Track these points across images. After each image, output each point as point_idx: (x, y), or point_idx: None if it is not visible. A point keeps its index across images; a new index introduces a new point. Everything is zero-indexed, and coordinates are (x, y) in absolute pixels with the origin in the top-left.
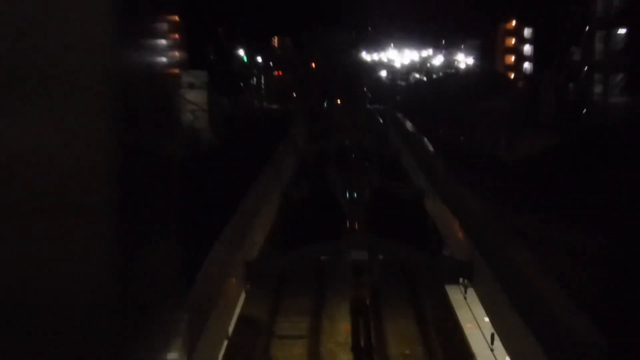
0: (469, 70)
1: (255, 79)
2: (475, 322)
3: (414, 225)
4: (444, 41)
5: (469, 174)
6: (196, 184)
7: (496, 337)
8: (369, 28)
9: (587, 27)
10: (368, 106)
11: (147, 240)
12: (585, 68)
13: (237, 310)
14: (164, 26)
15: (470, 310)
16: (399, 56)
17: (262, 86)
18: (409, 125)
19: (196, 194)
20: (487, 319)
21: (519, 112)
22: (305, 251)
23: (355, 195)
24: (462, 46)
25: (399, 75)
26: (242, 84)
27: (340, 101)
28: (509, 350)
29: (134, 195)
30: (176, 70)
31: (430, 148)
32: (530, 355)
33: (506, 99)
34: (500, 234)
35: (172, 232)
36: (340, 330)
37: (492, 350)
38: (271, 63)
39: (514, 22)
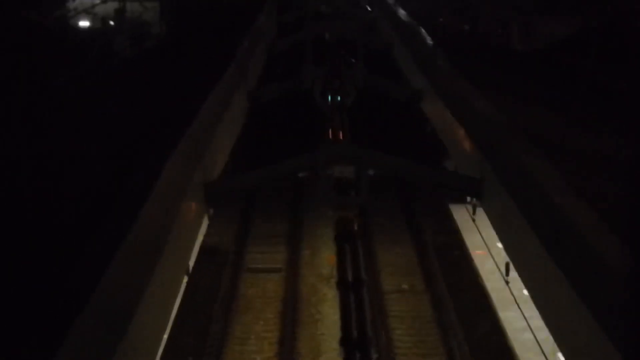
0: None
1: None
2: (486, 248)
3: (410, 134)
4: None
5: (476, 69)
6: (140, 86)
7: (511, 267)
8: None
9: None
10: None
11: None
12: None
13: (198, 240)
14: None
15: (480, 234)
16: None
17: None
18: (402, 12)
19: (139, 101)
20: (500, 245)
21: None
22: (279, 167)
23: (338, 97)
24: None
25: None
26: None
27: None
28: (526, 282)
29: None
30: None
31: (429, 39)
32: (552, 287)
33: None
34: (515, 143)
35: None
36: (323, 262)
37: (507, 282)
38: None
39: None
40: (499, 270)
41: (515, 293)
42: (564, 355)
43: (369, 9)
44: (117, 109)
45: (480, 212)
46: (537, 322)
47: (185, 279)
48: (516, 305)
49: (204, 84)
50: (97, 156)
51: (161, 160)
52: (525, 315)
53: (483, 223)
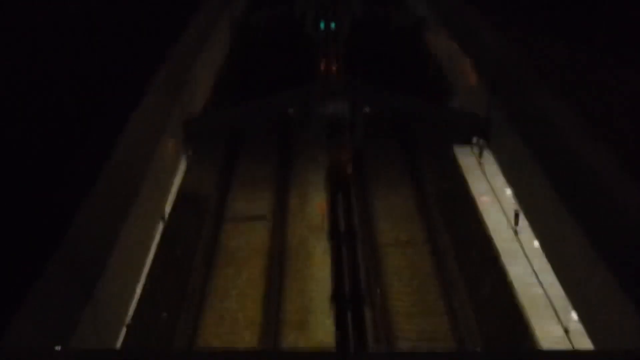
0: None
1: None
2: (493, 195)
3: (411, 67)
4: None
5: None
6: (114, 12)
7: (521, 216)
8: None
9: None
10: None
11: None
12: None
13: (176, 184)
14: None
15: (487, 179)
16: None
17: None
18: None
19: (114, 29)
20: (509, 192)
21: None
22: (266, 102)
23: (332, 26)
24: None
25: None
26: None
27: None
28: (537, 232)
29: None
30: None
31: None
32: (565, 238)
33: None
34: (526, 78)
35: None
36: (313, 210)
37: (515, 232)
38: None
39: None
40: (507, 219)
41: (524, 244)
42: (577, 311)
43: None
44: (88, 39)
45: (487, 155)
46: (548, 276)
47: (161, 228)
48: (525, 258)
49: (182, 9)
50: (67, 92)
51: (136, 95)
52: (535, 269)
53: (490, 167)
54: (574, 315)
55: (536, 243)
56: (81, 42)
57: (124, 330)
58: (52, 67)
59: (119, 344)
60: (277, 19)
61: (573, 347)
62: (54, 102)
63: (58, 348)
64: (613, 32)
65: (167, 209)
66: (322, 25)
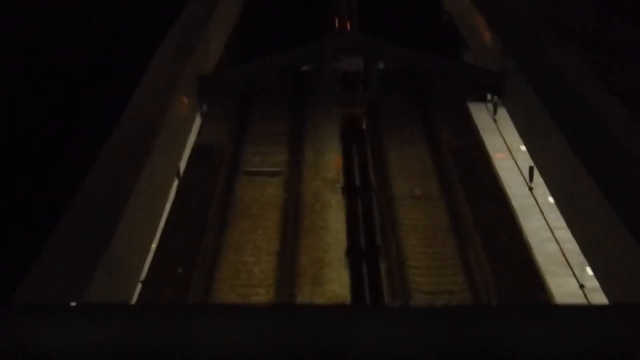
0: None
1: None
2: (507, 151)
3: (424, 22)
4: None
5: None
6: None
7: (536, 172)
8: None
9: None
10: None
11: None
12: None
13: (191, 139)
14: None
15: (502, 135)
16: None
17: None
18: None
19: None
20: (523, 148)
21: None
22: (279, 58)
23: None
24: None
25: None
26: None
27: None
28: (552, 188)
29: None
30: None
31: None
32: (580, 194)
33: None
34: (541, 33)
35: None
36: (328, 164)
37: (530, 188)
38: None
39: None
40: (522, 175)
41: (539, 200)
42: (593, 268)
43: None
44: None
45: (501, 111)
46: (563, 232)
47: (176, 182)
48: (540, 214)
49: None
50: (78, 45)
51: (150, 50)
52: (550, 224)
53: (505, 123)
54: (589, 271)
55: (550, 199)
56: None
57: (139, 287)
58: (62, 21)
59: (134, 301)
60: None
61: (588, 302)
62: (64, 59)
63: (73, 304)
64: None
65: (182, 164)
66: None
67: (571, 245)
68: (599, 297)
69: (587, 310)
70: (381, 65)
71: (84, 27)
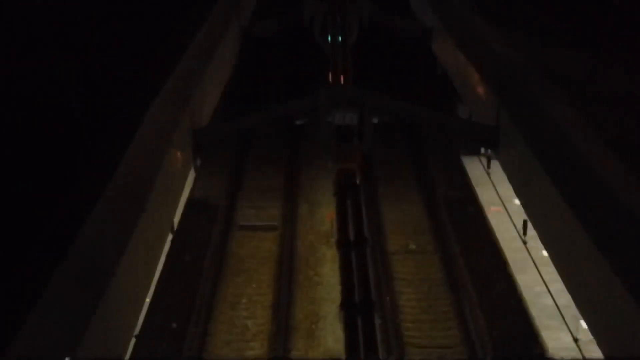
0: None
1: None
2: (501, 205)
3: (419, 76)
4: None
5: (493, 4)
6: (119, 20)
7: (529, 225)
8: None
9: None
10: None
11: None
12: None
13: (185, 194)
14: None
15: (495, 189)
16: None
17: None
18: None
19: (120, 35)
20: (517, 202)
21: None
22: (274, 112)
23: (340, 35)
24: None
25: None
26: None
27: None
28: (546, 241)
29: None
30: None
31: None
32: (575, 248)
33: None
34: (535, 87)
35: None
36: (322, 218)
37: (524, 242)
38: None
39: None
40: (516, 228)
41: (533, 254)
42: (587, 322)
43: None
44: (92, 45)
45: (495, 164)
46: (558, 285)
47: (170, 237)
48: (534, 267)
49: (191, 18)
50: (72, 96)
51: (144, 104)
52: (545, 278)
53: (499, 177)
54: (583, 324)
55: (544, 252)
56: (87, 51)
57: (133, 341)
58: (57, 74)
59: (127, 356)
60: (284, 29)
61: (583, 356)
62: (58, 111)
63: (67, 359)
64: (621, 37)
65: (177, 218)
66: (329, 34)
67: (565, 299)
68: (594, 351)
69: None
70: (375, 119)
71: (77, 79)
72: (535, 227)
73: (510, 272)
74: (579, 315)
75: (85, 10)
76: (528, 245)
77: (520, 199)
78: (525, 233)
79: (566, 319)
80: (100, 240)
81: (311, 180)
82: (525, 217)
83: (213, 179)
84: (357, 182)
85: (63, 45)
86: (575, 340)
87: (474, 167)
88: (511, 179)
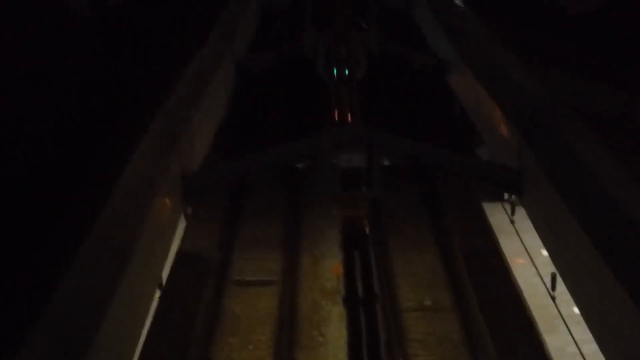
0: None
1: None
2: (527, 256)
3: (434, 113)
4: None
5: (516, 34)
6: (105, 54)
7: (559, 279)
8: None
9: None
10: None
11: None
12: None
13: (174, 246)
14: None
15: (520, 239)
16: None
17: None
18: None
19: (103, 72)
20: (545, 253)
21: None
22: (273, 155)
23: (346, 69)
24: None
25: None
26: None
27: None
28: (577, 297)
29: None
30: None
31: None
32: (609, 305)
33: None
34: (563, 125)
35: None
36: (327, 272)
37: (553, 297)
38: None
39: None
40: (544, 283)
41: (563, 311)
42: None
43: None
44: (76, 83)
45: (520, 211)
46: (591, 346)
47: (158, 293)
48: (564, 326)
49: (181, 51)
50: (50, 140)
51: (129, 147)
52: (576, 338)
53: (524, 225)
54: None
55: (576, 309)
56: (66, 89)
57: None
58: (31, 113)
59: None
60: (284, 62)
61: None
62: (33, 153)
63: None
64: None
65: (165, 272)
66: (334, 69)
67: None
68: None
69: None
70: (386, 162)
71: (58, 119)
72: (564, 281)
73: (538, 332)
74: None
75: (65, 44)
76: (557, 301)
77: (547, 250)
78: (553, 288)
79: None
80: (80, 297)
81: (314, 229)
82: (553, 270)
83: (205, 228)
84: (366, 231)
85: (37, 82)
86: None
87: (496, 214)
88: (537, 228)
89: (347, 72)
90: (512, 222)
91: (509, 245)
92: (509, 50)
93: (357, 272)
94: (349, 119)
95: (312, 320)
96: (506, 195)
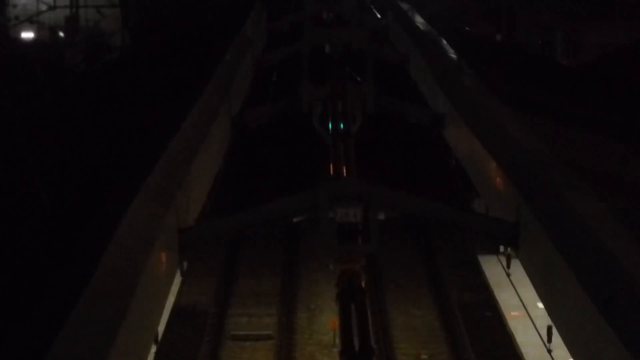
0: None
1: None
2: (523, 309)
3: (430, 167)
4: None
5: (511, 87)
6: (99, 110)
7: (555, 332)
8: None
9: None
10: None
11: None
12: None
13: (170, 301)
14: None
15: (516, 292)
16: None
17: None
18: (419, 20)
19: (98, 129)
20: (541, 305)
21: None
22: (269, 209)
23: (342, 123)
24: None
25: None
26: None
27: None
28: (574, 350)
29: None
30: None
31: (452, 52)
32: (608, 356)
33: None
34: (559, 179)
35: None
36: (323, 326)
37: (549, 350)
38: None
39: None
40: (540, 335)
41: None
42: None
43: (379, 15)
44: (70, 138)
45: (516, 264)
46: None
47: (154, 349)
48: None
49: (176, 107)
50: (46, 196)
51: (125, 201)
52: None
53: (520, 278)
54: None
55: None
56: (69, 142)
57: None
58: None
59: None
60: (280, 117)
61: None
62: (36, 210)
63: None
64: None
65: (161, 327)
66: (330, 123)
67: None
68: None
69: None
70: (382, 216)
71: (55, 174)
72: (561, 334)
73: None
74: None
75: (60, 99)
76: (553, 354)
77: (544, 303)
78: (550, 340)
79: None
80: (77, 352)
81: (311, 283)
82: (549, 322)
83: (201, 283)
84: (362, 285)
85: (33, 138)
86: None
87: (492, 268)
88: (534, 281)
89: (342, 126)
90: (508, 275)
91: (505, 298)
92: (505, 104)
93: (354, 326)
94: (345, 173)
95: None
96: (502, 248)
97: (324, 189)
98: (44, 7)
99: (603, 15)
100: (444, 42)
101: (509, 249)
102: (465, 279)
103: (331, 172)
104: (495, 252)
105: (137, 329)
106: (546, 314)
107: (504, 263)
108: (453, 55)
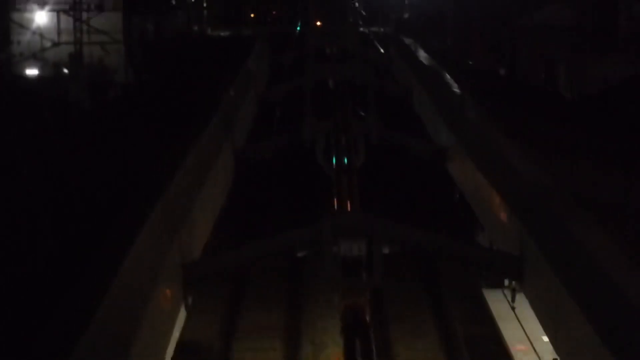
0: None
1: None
2: (528, 343)
3: (434, 201)
4: None
5: (515, 121)
6: (103, 146)
7: None
8: None
9: None
10: (361, 29)
11: None
12: None
13: (175, 336)
14: None
15: (521, 325)
16: None
17: (204, 2)
18: (422, 54)
19: (102, 164)
20: (545, 339)
21: (586, 27)
22: (272, 243)
23: (346, 157)
24: None
25: None
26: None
27: (321, 22)
28: None
29: None
30: None
31: (455, 85)
32: None
33: (566, 9)
34: (564, 212)
35: None
36: None
37: None
38: None
39: None
40: None
41: None
42: None
43: (382, 50)
44: (74, 175)
45: (521, 298)
46: None
47: None
48: None
49: (180, 142)
50: (49, 233)
51: (129, 237)
52: None
53: (525, 311)
54: None
55: None
56: (72, 178)
57: None
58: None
59: None
60: (283, 151)
61: None
62: (40, 246)
63: None
64: None
65: None
66: (333, 157)
67: None
68: None
69: None
70: (386, 249)
71: (58, 211)
72: None
73: None
74: None
75: (64, 135)
76: None
77: (548, 336)
78: None
79: None
80: None
81: (315, 317)
82: (555, 355)
83: (206, 317)
84: (367, 319)
85: (37, 174)
86: None
87: (496, 301)
88: (538, 314)
89: (346, 160)
90: (513, 308)
91: (509, 331)
92: (508, 137)
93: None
94: (349, 206)
95: None
96: (507, 282)
97: (328, 223)
98: (47, 44)
99: (607, 47)
100: (447, 75)
101: (513, 282)
102: (470, 312)
103: (335, 206)
104: (500, 285)
105: None
106: (551, 347)
107: (509, 297)
108: (456, 89)
